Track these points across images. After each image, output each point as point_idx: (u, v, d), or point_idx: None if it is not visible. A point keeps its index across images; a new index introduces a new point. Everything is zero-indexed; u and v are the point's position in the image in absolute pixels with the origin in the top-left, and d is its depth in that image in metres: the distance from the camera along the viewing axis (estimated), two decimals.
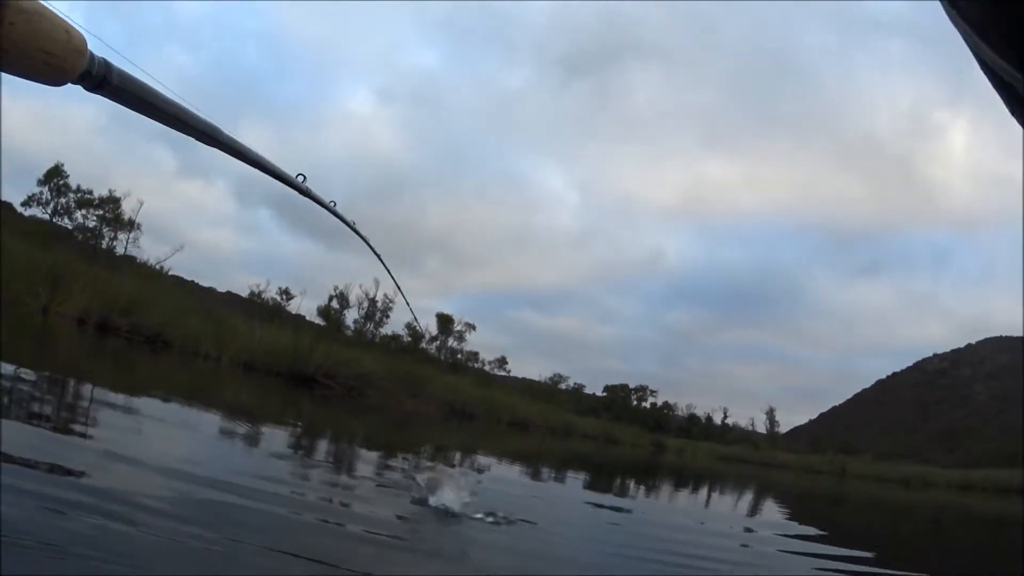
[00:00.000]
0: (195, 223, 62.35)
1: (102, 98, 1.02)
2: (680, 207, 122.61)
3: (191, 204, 60.80)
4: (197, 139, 1.35)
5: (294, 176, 1.81)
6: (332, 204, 2.08)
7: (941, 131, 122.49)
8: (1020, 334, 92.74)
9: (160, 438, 5.34)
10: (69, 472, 3.45)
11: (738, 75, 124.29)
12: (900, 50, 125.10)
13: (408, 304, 3.15)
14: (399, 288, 3.37)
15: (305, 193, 1.88)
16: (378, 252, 2.75)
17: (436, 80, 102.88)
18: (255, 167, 1.60)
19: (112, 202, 30.24)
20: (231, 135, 1.42)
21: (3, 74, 0.87)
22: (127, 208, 30.64)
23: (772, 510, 13.20)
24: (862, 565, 6.26)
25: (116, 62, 1.03)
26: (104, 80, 1.02)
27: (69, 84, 0.97)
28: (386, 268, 2.94)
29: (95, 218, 30.83)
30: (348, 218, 2.26)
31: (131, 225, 30.37)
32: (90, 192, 30.64)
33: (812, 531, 9.19)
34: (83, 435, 4.63)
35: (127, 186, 34.31)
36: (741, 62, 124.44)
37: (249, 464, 5.26)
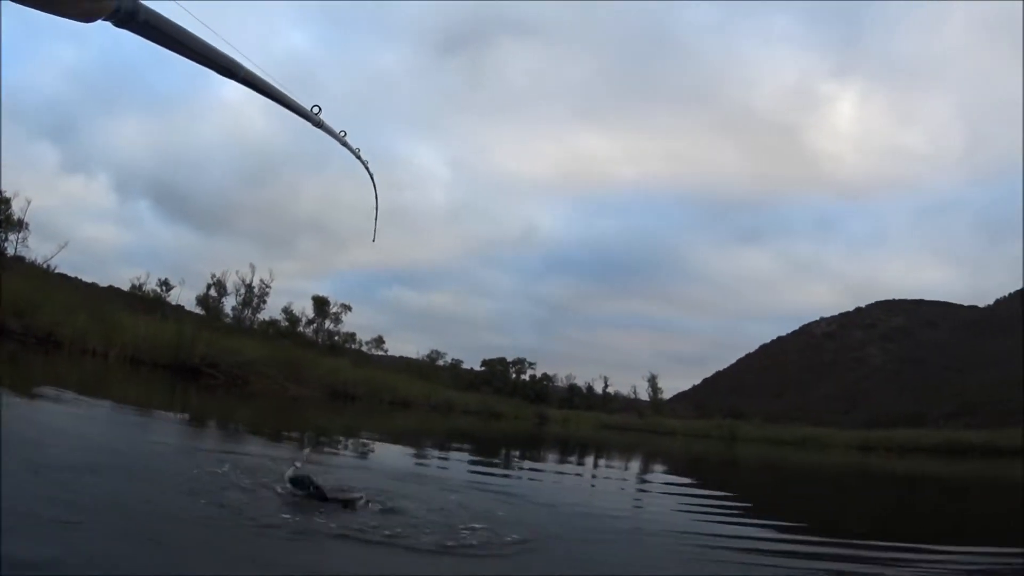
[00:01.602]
0: (77, 219, 63.24)
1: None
2: (555, 181, 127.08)
3: (73, 200, 61.53)
4: (218, 72, 1.62)
5: (309, 108, 2.12)
6: (342, 134, 2.53)
7: (827, 102, 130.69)
8: (913, 297, 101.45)
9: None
10: None
11: (615, 50, 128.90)
12: (785, 25, 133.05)
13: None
14: (376, 199, 3.73)
15: (318, 125, 2.21)
16: (375, 183, 3.40)
17: (309, 63, 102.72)
18: (273, 100, 1.88)
19: (3, 203, 30.53)
20: (250, 69, 1.70)
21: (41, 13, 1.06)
22: (16, 208, 30.97)
23: (662, 473, 14.73)
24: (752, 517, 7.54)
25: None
26: (132, 16, 1.19)
27: (100, 20, 1.14)
28: (376, 196, 3.56)
29: None
30: (354, 147, 2.76)
31: (20, 225, 30.84)
32: None
33: (703, 489, 10.73)
34: None
35: (14, 186, 34.79)
36: (619, 37, 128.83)
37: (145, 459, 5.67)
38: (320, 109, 2.13)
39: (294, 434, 11.77)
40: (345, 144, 2.61)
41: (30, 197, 31.43)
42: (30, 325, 16.59)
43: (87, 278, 37.03)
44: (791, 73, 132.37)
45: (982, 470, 24.82)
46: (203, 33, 1.48)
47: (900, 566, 5.24)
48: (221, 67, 1.58)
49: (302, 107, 2.03)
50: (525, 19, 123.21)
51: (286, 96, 1.89)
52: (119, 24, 1.17)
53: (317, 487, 4.55)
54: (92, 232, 68.28)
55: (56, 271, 27.58)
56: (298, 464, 5.07)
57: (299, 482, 4.64)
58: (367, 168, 3.18)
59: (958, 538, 7.54)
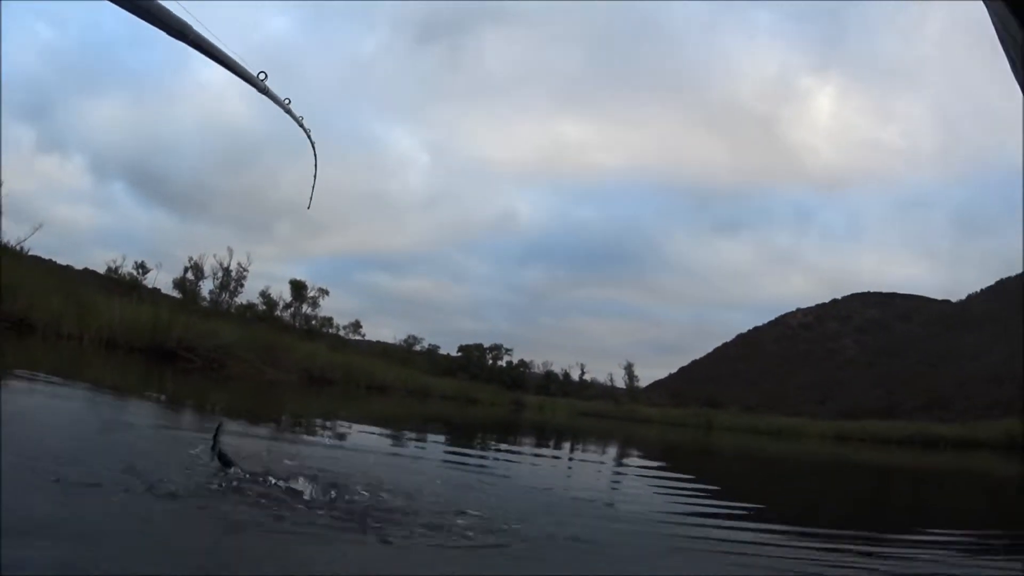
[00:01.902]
0: (52, 200, 62.74)
1: None
2: (535, 168, 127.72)
3: (48, 181, 61.28)
4: (168, 33, 1.61)
5: (255, 74, 2.13)
6: (287, 101, 2.57)
7: (807, 96, 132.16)
8: (887, 290, 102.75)
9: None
10: None
11: (599, 38, 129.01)
12: (769, 20, 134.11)
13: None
14: (316, 167, 3.81)
15: (263, 91, 2.25)
16: (316, 153, 3.48)
17: (289, 47, 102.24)
18: (220, 64, 1.89)
19: None
20: (200, 32, 1.72)
21: None
22: None
23: (639, 459, 14.73)
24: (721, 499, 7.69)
25: None
26: None
27: None
28: (315, 164, 3.65)
29: None
30: (297, 115, 2.80)
31: None
32: None
33: (678, 473, 10.82)
34: None
35: None
36: (601, 25, 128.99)
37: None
38: (266, 75, 2.13)
39: (272, 417, 11.72)
40: (288, 111, 2.63)
41: (2, 178, 31.10)
42: (2, 309, 16.40)
43: (62, 260, 36.39)
44: (772, 67, 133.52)
45: (953, 462, 25.05)
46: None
47: (881, 545, 5.39)
48: (171, 28, 1.57)
49: (248, 72, 2.04)
50: (507, 6, 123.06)
51: (234, 61, 1.91)
52: None
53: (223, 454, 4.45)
54: (67, 214, 68.01)
55: (30, 253, 27.30)
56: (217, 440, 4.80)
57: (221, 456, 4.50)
58: (309, 136, 3.22)
59: (932, 522, 7.67)
